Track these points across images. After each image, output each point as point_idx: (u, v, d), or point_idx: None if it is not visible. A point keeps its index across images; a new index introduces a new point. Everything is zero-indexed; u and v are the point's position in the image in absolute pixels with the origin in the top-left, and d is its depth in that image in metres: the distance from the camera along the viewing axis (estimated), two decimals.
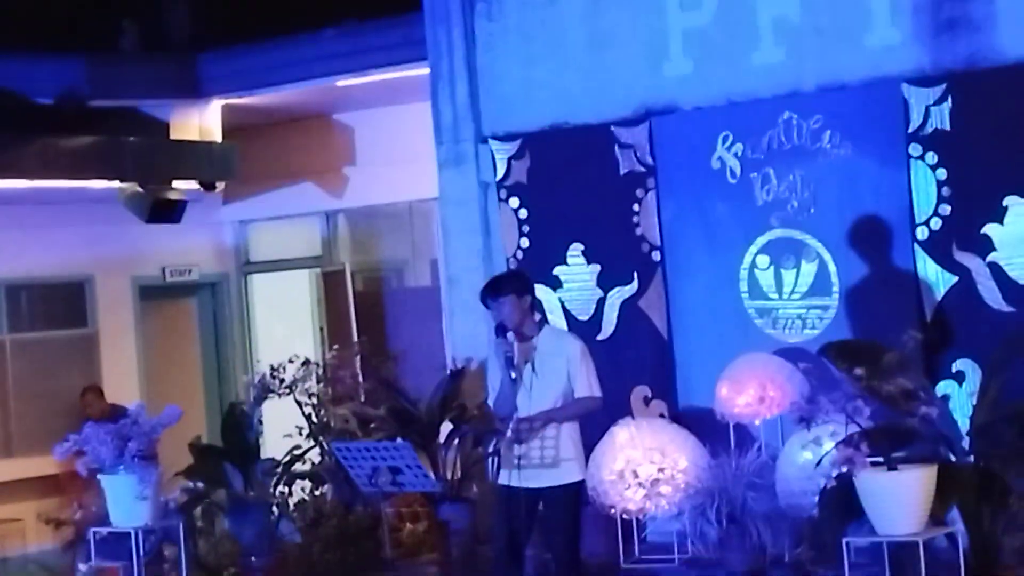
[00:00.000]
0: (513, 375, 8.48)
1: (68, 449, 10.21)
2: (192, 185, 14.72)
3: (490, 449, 8.76)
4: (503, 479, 8.59)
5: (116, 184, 14.19)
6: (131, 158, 14.19)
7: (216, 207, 16.06)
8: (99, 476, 10.27)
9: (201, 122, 14.72)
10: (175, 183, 14.50)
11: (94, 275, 15.34)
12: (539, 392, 8.50)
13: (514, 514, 8.48)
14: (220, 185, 15.22)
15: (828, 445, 8.43)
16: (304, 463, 11.30)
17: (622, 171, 11.51)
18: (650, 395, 11.43)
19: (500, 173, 12.02)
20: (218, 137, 14.83)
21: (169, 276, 15.98)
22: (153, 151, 14.52)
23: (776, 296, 10.96)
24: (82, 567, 10.37)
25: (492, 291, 8.78)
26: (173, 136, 14.82)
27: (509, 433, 8.46)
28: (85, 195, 14.46)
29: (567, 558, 8.57)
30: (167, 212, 14.33)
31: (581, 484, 8.84)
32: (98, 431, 10.11)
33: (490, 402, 8.91)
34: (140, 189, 14.18)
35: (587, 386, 8.64)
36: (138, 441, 10.05)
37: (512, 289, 8.77)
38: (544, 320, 9.49)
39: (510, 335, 8.58)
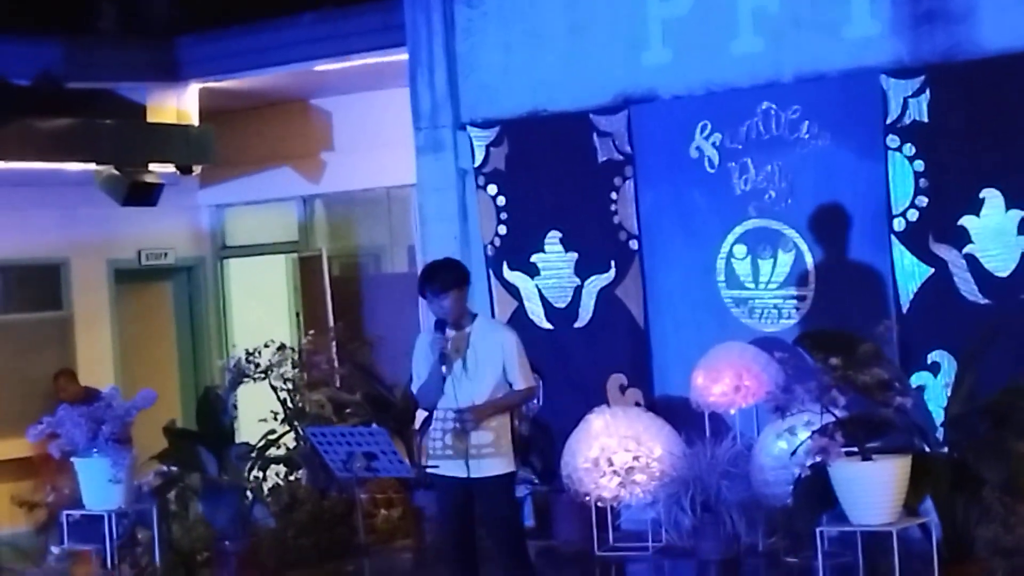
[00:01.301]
0: (444, 370, 8.30)
1: (42, 432, 10.20)
2: (169, 168, 14.66)
3: (419, 439, 8.51)
4: (438, 469, 8.41)
5: (92, 167, 14.13)
6: (108, 141, 14.13)
7: (193, 191, 16.01)
8: (72, 459, 10.26)
9: (178, 105, 14.66)
10: (152, 166, 14.44)
11: (69, 258, 15.28)
12: (475, 382, 8.32)
13: (457, 504, 8.40)
14: (197, 169, 15.14)
15: (803, 435, 8.46)
16: (279, 448, 11.29)
17: (600, 159, 11.51)
18: (626, 383, 11.44)
19: (478, 160, 12.01)
20: (195, 120, 14.77)
21: (145, 260, 15.92)
22: (130, 134, 14.45)
23: (753, 286, 10.97)
24: (54, 550, 10.36)
25: (438, 285, 8.36)
26: (150, 119, 14.75)
27: (453, 423, 8.31)
28: (61, 177, 14.41)
29: (512, 546, 8.48)
30: (143, 195, 14.26)
31: (514, 475, 8.70)
32: (72, 414, 10.09)
33: (413, 388, 8.67)
34: (116, 172, 14.12)
35: (525, 376, 8.50)
36: (112, 424, 10.05)
37: (457, 283, 8.43)
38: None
39: (448, 330, 8.37)
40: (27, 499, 12.22)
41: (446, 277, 8.45)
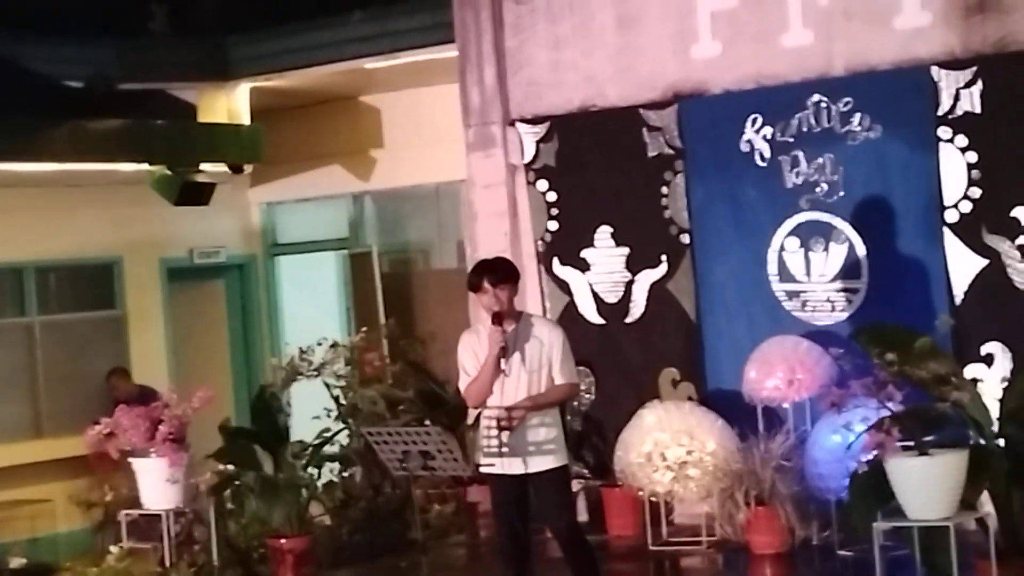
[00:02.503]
0: (503, 366, 8.30)
1: (100, 431, 10.27)
2: (220, 167, 14.73)
3: (486, 439, 8.48)
4: (492, 468, 8.44)
5: (144, 167, 14.21)
6: (159, 141, 14.21)
7: (244, 189, 16.09)
8: (130, 459, 10.33)
9: (229, 104, 14.73)
10: (203, 165, 14.52)
11: (122, 257, 15.37)
12: (527, 379, 8.35)
13: (512, 500, 8.43)
14: (248, 167, 15.23)
15: (859, 429, 8.43)
16: (333, 445, 11.33)
17: (651, 154, 11.51)
18: (678, 377, 11.45)
19: (528, 156, 12.03)
20: (246, 119, 14.83)
21: (197, 258, 16.01)
22: (181, 134, 14.54)
23: (805, 279, 10.95)
24: (113, 549, 10.42)
25: (500, 275, 8.46)
26: (201, 119, 14.84)
27: (496, 422, 8.29)
28: (114, 177, 14.50)
29: (572, 532, 8.53)
30: (195, 194, 14.34)
31: (567, 468, 8.73)
32: (130, 414, 10.16)
33: (462, 386, 8.58)
34: (168, 172, 14.20)
35: (568, 373, 8.52)
36: (169, 424, 10.11)
37: (514, 276, 8.58)
38: None
39: (507, 325, 8.38)
40: (85, 498, 12.32)
41: (505, 269, 8.61)
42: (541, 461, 8.38)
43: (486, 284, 8.41)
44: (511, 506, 8.44)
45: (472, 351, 8.49)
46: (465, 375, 8.50)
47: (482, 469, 8.48)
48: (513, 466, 8.36)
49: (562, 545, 8.54)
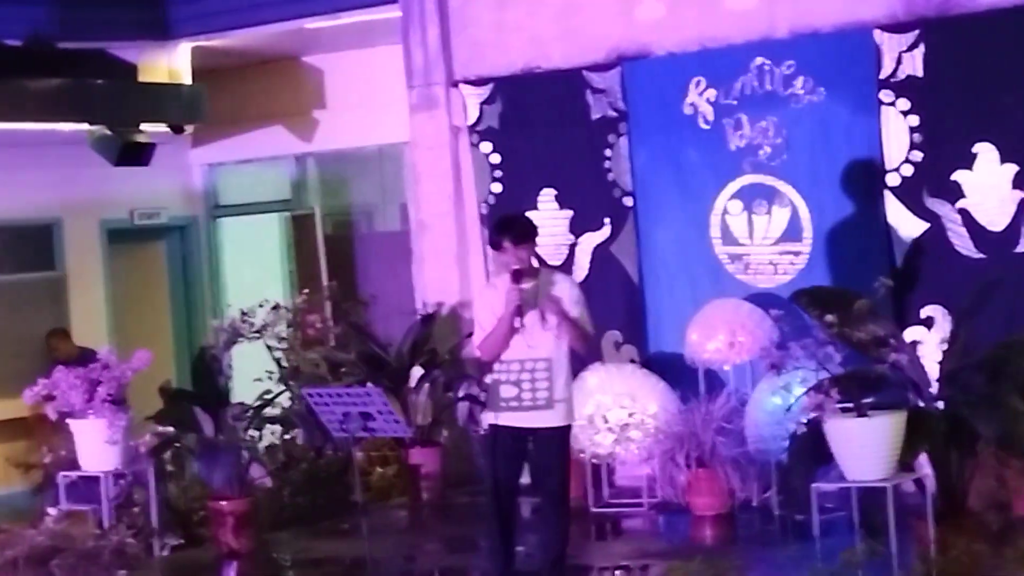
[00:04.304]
0: (518, 322, 8.14)
1: (37, 393, 10.18)
2: (161, 128, 14.60)
3: (477, 390, 8.42)
4: (498, 420, 8.27)
5: (85, 127, 14.07)
6: (100, 101, 14.05)
7: (185, 150, 15.94)
8: (68, 420, 10.26)
9: (170, 64, 14.59)
10: (144, 126, 14.37)
11: (62, 218, 15.21)
12: (545, 335, 8.28)
13: (512, 455, 8.33)
14: (189, 128, 15.10)
15: (798, 391, 8.47)
16: (274, 407, 11.28)
17: (594, 116, 11.51)
18: (621, 340, 11.47)
19: (472, 118, 12.00)
20: (187, 79, 14.70)
21: (138, 219, 15.87)
22: (122, 94, 14.37)
23: (748, 241, 10.98)
24: (51, 511, 10.35)
25: (519, 236, 8.26)
26: (142, 79, 14.67)
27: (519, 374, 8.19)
28: (53, 138, 14.33)
29: (562, 494, 8.46)
30: (136, 155, 14.19)
31: (570, 428, 8.68)
32: (68, 376, 10.08)
33: (475, 340, 8.48)
34: (109, 132, 14.05)
35: (586, 323, 8.45)
36: (108, 385, 10.03)
37: (534, 233, 8.41)
38: None
39: (524, 282, 8.19)
40: (23, 460, 12.22)
41: (524, 227, 8.41)
42: (551, 416, 8.26)
43: (506, 244, 8.24)
44: (511, 461, 8.34)
45: (489, 305, 8.32)
46: (480, 329, 8.35)
47: (493, 420, 8.30)
48: (522, 419, 8.24)
49: (547, 504, 8.45)
